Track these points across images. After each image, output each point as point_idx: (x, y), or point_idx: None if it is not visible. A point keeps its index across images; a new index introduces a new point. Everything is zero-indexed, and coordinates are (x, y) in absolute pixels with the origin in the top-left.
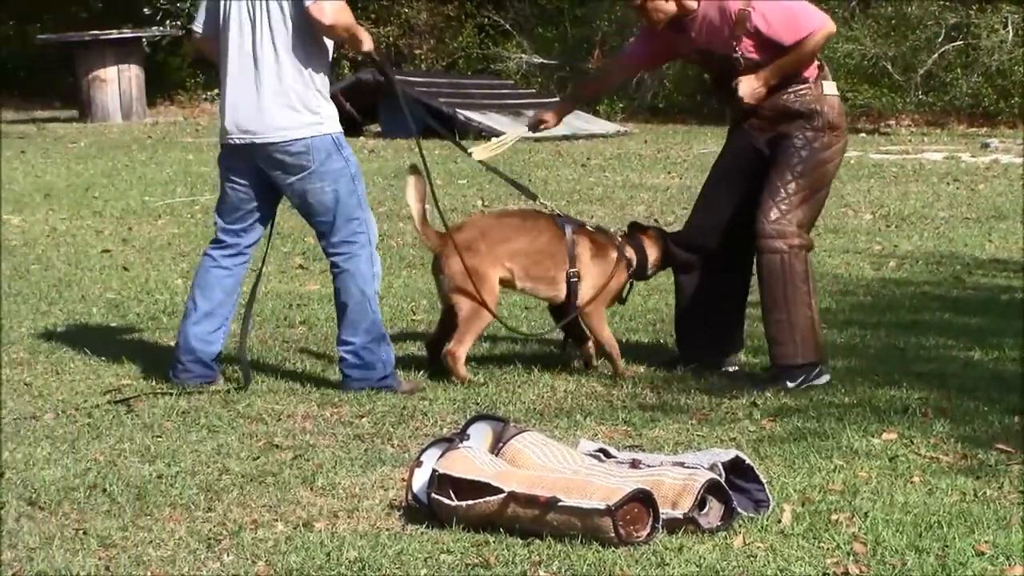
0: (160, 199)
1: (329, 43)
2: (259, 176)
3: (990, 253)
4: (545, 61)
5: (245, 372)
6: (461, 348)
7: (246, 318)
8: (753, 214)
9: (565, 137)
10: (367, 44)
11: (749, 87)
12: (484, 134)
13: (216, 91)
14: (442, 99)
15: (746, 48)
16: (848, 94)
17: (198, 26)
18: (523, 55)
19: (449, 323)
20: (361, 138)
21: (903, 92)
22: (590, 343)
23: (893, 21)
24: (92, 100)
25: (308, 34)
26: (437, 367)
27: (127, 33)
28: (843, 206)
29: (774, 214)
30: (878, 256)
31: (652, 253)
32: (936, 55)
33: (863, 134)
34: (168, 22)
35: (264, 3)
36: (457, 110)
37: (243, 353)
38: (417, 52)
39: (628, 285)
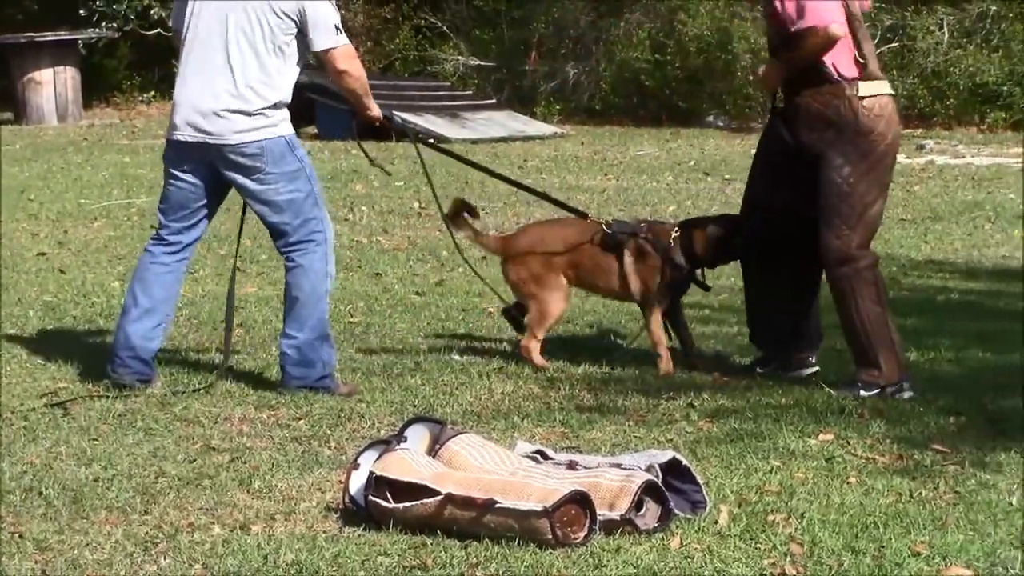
0: (96, 202)
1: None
2: (209, 173)
3: (926, 254)
4: (482, 63)
5: (221, 373)
6: (532, 341)
7: (228, 319)
8: (799, 205)
9: (502, 139)
10: (374, 111)
11: (763, 72)
12: (421, 136)
13: (152, 93)
14: (379, 101)
15: (773, 26)
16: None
17: (174, 22)
18: (460, 57)
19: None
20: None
21: None
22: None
23: None
24: (27, 102)
25: (288, 51)
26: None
27: (63, 35)
28: None
29: (834, 243)
30: None
31: (700, 248)
32: None
33: None
34: (104, 24)
35: (241, 6)
36: (394, 112)
37: (227, 352)
38: None
39: (688, 274)
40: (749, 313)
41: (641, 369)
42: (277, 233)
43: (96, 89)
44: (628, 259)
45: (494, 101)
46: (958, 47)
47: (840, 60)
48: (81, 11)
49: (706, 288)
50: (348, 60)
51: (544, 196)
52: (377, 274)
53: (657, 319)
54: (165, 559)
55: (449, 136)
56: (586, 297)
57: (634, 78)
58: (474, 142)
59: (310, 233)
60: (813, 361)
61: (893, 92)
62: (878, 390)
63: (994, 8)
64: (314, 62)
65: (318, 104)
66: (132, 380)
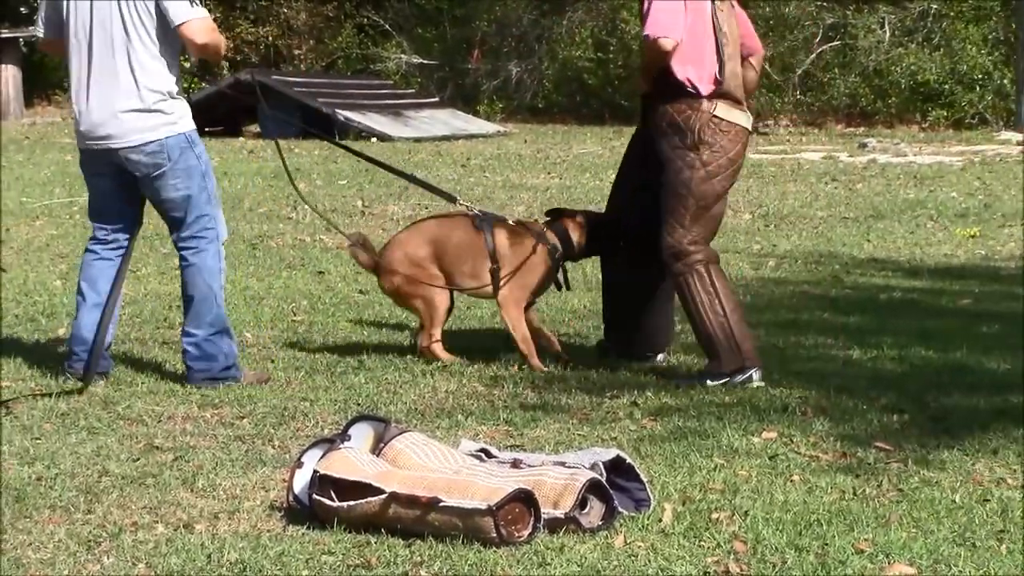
0: (38, 200)
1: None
2: (121, 176)
3: (868, 252)
4: (425, 61)
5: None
6: (431, 337)
7: (103, 321)
8: (648, 206)
9: (445, 137)
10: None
11: (641, 72)
12: (364, 134)
13: None
14: (321, 99)
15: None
16: None
17: (39, 29)
18: (403, 55)
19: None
20: (240, 139)
21: (781, 92)
22: (549, 335)
23: (771, 21)
24: None
25: (164, 38)
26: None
27: (4, 33)
28: None
29: (668, 240)
30: (757, 256)
31: (576, 236)
32: (814, 55)
33: None
34: None
35: (115, 6)
36: (336, 110)
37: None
38: (296, 52)
39: (560, 270)
40: (605, 305)
41: (584, 368)
42: (172, 228)
43: (37, 87)
44: (500, 248)
45: (437, 99)
46: (899, 46)
47: (695, 75)
48: (22, 8)
49: (567, 287)
50: (206, 33)
51: (413, 179)
52: (320, 272)
53: (520, 315)
54: (108, 558)
55: (392, 134)
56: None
57: (577, 76)
58: (417, 140)
59: (202, 230)
60: (660, 358)
61: (751, 129)
62: (724, 379)
63: (935, 7)
64: (257, 60)
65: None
66: (76, 373)
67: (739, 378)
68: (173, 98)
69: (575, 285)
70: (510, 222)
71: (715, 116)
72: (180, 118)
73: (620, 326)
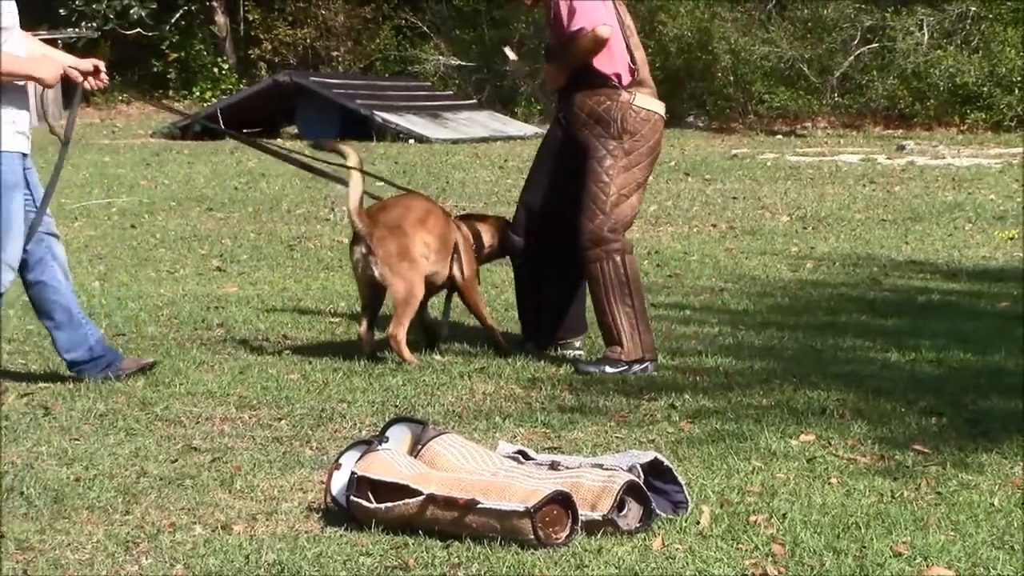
0: (76, 201)
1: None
2: None
3: (906, 255)
4: (462, 63)
5: None
6: (401, 329)
7: None
8: (564, 200)
9: (482, 139)
10: (48, 77)
11: (548, 70)
12: (402, 136)
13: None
14: (359, 101)
15: (553, 33)
16: (765, 96)
17: None
18: (440, 57)
19: (374, 305)
20: (279, 140)
21: (819, 94)
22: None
23: (809, 24)
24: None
25: None
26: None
27: (42, 34)
28: (760, 208)
29: (588, 225)
30: (795, 258)
31: (487, 237)
32: (852, 57)
33: (779, 136)
34: (84, 24)
35: None
36: (375, 112)
37: None
38: (335, 54)
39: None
40: (520, 302)
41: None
42: None
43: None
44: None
45: (475, 101)
46: (938, 48)
47: (614, 66)
48: (61, 11)
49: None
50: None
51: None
52: None
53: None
54: (146, 559)
55: (430, 136)
56: None
57: None
58: (455, 142)
59: None
60: (579, 346)
61: (664, 115)
62: (624, 367)
63: (974, 9)
64: (295, 61)
65: (299, 104)
66: (103, 375)
67: (636, 368)
68: None
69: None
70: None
71: (635, 105)
72: None
73: (537, 319)
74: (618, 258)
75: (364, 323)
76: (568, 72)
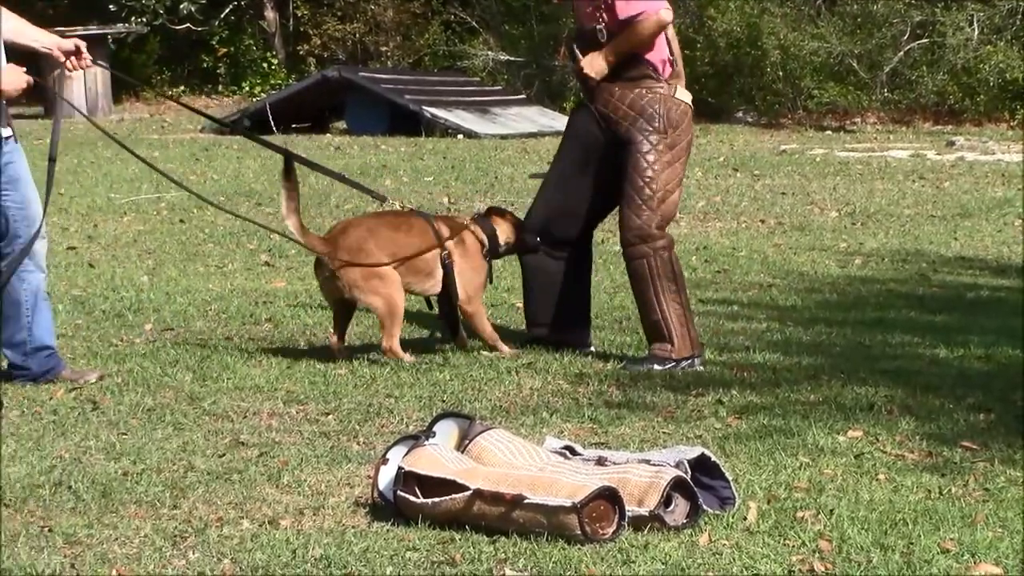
0: (126, 196)
1: None
2: None
3: (955, 251)
4: (511, 58)
5: None
6: (394, 342)
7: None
8: (591, 196)
9: (531, 134)
10: (8, 88)
11: (591, 58)
12: (450, 131)
13: (182, 88)
14: (408, 96)
15: (601, 18)
16: (814, 91)
17: None
18: (489, 52)
19: (345, 316)
20: (327, 135)
21: (869, 90)
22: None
23: (859, 19)
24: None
25: None
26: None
27: (93, 30)
28: (809, 203)
29: (635, 221)
30: (844, 254)
31: (503, 235)
32: (902, 53)
33: (828, 131)
34: (134, 19)
35: None
36: (423, 107)
37: None
38: (383, 49)
39: (489, 266)
40: (527, 299)
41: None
42: None
43: (125, 84)
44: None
45: (524, 96)
46: (988, 43)
47: (656, 57)
48: (111, 6)
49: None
50: None
51: (343, 179)
52: None
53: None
54: (194, 553)
55: (478, 131)
56: (614, 293)
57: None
58: (503, 137)
59: None
60: (588, 340)
61: (691, 106)
62: (672, 364)
63: None
64: (344, 57)
65: (348, 99)
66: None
67: (684, 365)
68: None
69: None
70: (447, 218)
71: (676, 99)
72: None
73: (548, 314)
74: (666, 254)
75: (335, 336)
76: (617, 60)
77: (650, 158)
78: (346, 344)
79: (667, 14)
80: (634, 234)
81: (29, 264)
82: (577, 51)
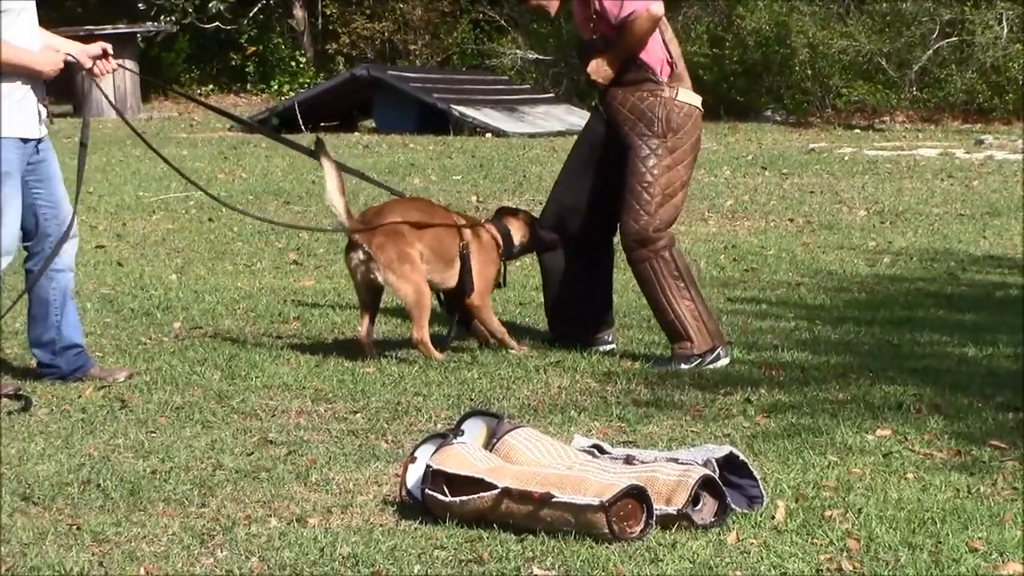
0: (154, 195)
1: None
2: None
3: (984, 250)
4: (540, 57)
5: None
6: (425, 332)
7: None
8: (596, 195)
9: (559, 133)
10: (46, 69)
11: (595, 64)
12: (479, 130)
13: (210, 86)
14: (436, 95)
15: (597, 27)
16: (843, 90)
17: None
18: (518, 51)
19: (373, 306)
20: (356, 134)
21: (898, 88)
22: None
23: (888, 17)
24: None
25: None
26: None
27: (122, 28)
28: (837, 202)
29: (633, 227)
30: (872, 252)
31: (518, 235)
32: (930, 51)
33: (857, 130)
34: (163, 18)
35: None
36: (452, 106)
37: None
38: (412, 48)
39: (502, 267)
40: (547, 298)
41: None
42: None
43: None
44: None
45: (552, 95)
46: (1017, 42)
47: (653, 59)
48: (140, 4)
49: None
50: None
51: (363, 176)
52: None
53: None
54: (222, 551)
55: (507, 130)
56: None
57: (692, 72)
58: (532, 136)
59: None
60: (610, 339)
61: (701, 108)
62: (697, 360)
63: None
64: (373, 55)
65: (377, 98)
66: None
67: (709, 359)
68: None
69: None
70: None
71: (678, 101)
72: None
73: (568, 313)
74: (666, 254)
75: (364, 325)
76: (619, 63)
77: (649, 163)
78: (373, 339)
79: (658, 7)
80: (633, 239)
81: (59, 263)
82: (584, 60)
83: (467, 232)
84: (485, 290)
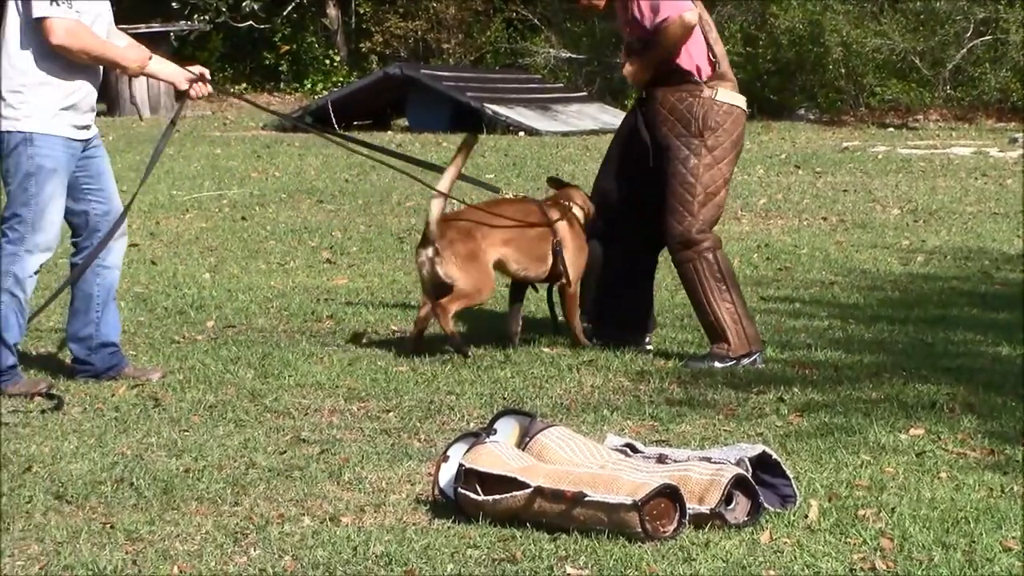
0: (188, 193)
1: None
2: None
3: (1018, 248)
4: (573, 56)
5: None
6: (454, 304)
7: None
8: (628, 191)
9: (592, 132)
10: (131, 66)
11: (630, 67)
12: (512, 128)
13: (244, 85)
14: (470, 93)
15: (633, 31)
16: (876, 89)
17: None
18: (551, 50)
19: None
20: (389, 132)
21: (931, 87)
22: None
23: (922, 16)
24: (120, 94)
25: (29, 30)
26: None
27: (155, 27)
28: (871, 201)
29: (677, 228)
30: (906, 251)
31: (587, 207)
32: (964, 50)
33: (891, 129)
34: (196, 16)
35: None
36: (485, 104)
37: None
38: (445, 47)
39: None
40: (589, 298)
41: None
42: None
43: None
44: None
45: (585, 94)
46: None
47: (695, 60)
48: (173, 3)
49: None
50: (61, 34)
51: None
52: None
53: None
54: (255, 550)
55: (540, 128)
56: (676, 290)
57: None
58: (565, 135)
59: (9, 227)
60: (648, 341)
61: (746, 109)
62: (732, 362)
63: None
64: (406, 54)
65: (410, 97)
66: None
67: (745, 362)
68: (23, 93)
69: None
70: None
71: (717, 100)
72: (24, 117)
73: (610, 311)
74: (710, 256)
75: (423, 311)
76: (653, 67)
77: (689, 164)
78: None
79: (691, 16)
80: (677, 240)
81: (107, 260)
82: (624, 60)
83: (560, 227)
84: (577, 277)
